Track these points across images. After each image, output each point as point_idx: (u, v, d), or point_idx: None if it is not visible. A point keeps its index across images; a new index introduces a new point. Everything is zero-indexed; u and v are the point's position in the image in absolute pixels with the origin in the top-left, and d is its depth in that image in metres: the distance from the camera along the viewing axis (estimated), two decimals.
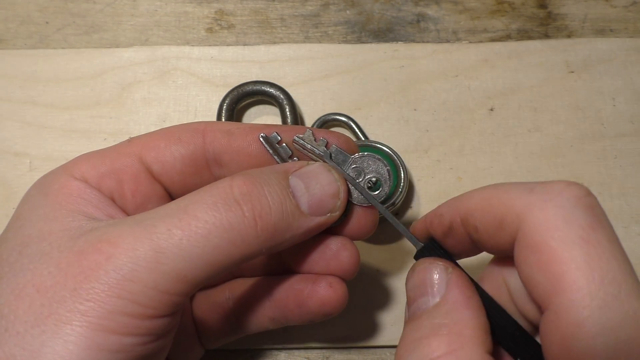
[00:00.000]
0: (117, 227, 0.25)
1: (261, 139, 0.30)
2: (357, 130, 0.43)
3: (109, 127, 0.44)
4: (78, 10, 0.48)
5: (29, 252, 0.25)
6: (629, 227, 0.41)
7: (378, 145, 0.41)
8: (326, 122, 0.43)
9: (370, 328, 0.39)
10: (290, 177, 0.28)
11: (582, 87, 0.45)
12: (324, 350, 0.39)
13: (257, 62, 0.46)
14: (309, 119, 0.44)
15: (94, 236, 0.25)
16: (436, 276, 0.25)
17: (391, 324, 0.39)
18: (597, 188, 0.42)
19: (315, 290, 0.30)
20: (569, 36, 0.47)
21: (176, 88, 0.45)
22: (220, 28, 0.48)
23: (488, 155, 0.43)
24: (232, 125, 0.31)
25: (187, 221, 0.24)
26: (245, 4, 0.49)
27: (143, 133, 0.31)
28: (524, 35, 0.47)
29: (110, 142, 0.43)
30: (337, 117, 0.43)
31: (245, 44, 0.47)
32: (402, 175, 0.40)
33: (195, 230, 0.24)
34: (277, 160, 0.30)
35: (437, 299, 0.25)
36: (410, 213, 0.42)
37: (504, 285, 0.26)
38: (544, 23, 0.48)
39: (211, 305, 0.33)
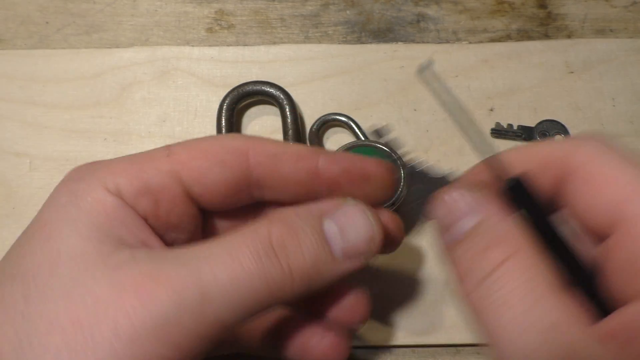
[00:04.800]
0: (159, 264, 0.24)
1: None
2: (357, 131, 0.43)
3: (109, 127, 0.44)
4: (78, 10, 0.48)
5: (60, 274, 0.24)
6: None
7: (378, 146, 0.41)
8: (326, 122, 0.43)
9: (370, 328, 0.39)
10: (325, 220, 0.27)
11: (581, 87, 0.45)
12: None
13: (257, 62, 0.46)
14: (309, 119, 0.44)
15: (136, 271, 0.24)
16: (469, 198, 0.25)
17: (391, 324, 0.39)
18: None
19: (322, 342, 0.30)
20: (569, 36, 0.47)
21: (176, 88, 0.45)
22: (220, 28, 0.48)
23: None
24: (279, 147, 0.29)
25: (232, 267, 0.24)
26: (245, 4, 0.49)
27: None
28: (524, 35, 0.47)
29: (110, 142, 0.44)
30: (337, 117, 0.43)
31: (245, 44, 0.47)
32: (402, 175, 0.40)
33: (239, 276, 0.24)
34: None
35: (478, 218, 0.25)
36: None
37: None
38: (544, 23, 0.48)
39: None
